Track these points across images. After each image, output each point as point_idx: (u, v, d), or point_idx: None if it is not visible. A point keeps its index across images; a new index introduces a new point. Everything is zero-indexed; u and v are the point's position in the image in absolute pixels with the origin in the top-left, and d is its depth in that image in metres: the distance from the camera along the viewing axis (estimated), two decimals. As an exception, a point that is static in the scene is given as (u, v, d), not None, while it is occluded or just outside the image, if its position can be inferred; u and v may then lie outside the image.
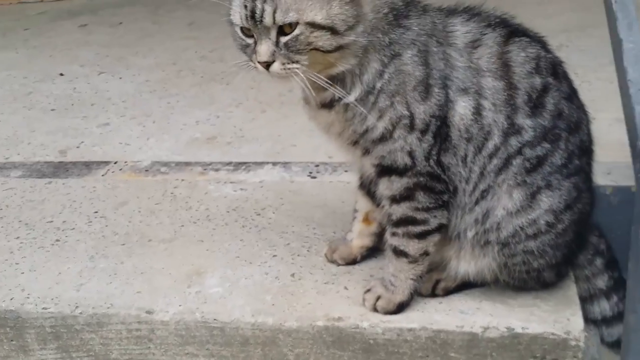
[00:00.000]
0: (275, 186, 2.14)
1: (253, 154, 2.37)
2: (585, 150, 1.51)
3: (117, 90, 2.96)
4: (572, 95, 1.50)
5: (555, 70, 1.48)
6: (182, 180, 2.20)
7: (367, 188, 1.61)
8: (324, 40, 1.31)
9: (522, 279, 1.52)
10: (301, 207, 2.02)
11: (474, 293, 1.59)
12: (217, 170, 2.25)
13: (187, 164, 2.31)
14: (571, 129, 1.46)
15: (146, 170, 2.28)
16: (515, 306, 1.54)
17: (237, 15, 1.35)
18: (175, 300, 1.67)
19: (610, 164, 2.06)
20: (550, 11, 3.35)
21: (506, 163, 1.43)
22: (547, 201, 1.44)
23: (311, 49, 1.32)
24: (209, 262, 1.80)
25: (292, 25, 1.30)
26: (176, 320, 1.62)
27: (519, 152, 1.42)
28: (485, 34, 1.45)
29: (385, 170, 1.46)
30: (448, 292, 1.58)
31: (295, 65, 1.32)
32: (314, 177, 2.17)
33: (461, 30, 1.45)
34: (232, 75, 2.99)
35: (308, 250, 1.82)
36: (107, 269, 1.80)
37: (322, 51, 1.32)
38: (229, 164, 2.28)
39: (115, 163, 2.34)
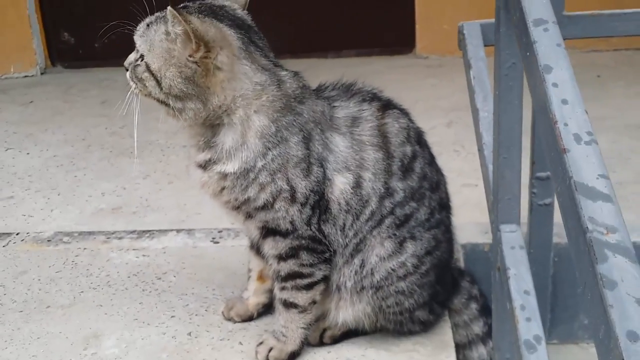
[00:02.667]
0: (178, 252, 2.19)
1: (158, 222, 2.43)
2: (444, 206, 1.69)
3: (23, 165, 2.97)
4: (432, 161, 1.69)
5: (420, 138, 1.66)
6: (85, 249, 2.23)
7: (257, 248, 1.70)
8: (151, 85, 1.48)
9: (397, 321, 1.63)
10: (202, 271, 2.08)
11: (360, 342, 1.68)
12: (120, 238, 2.29)
13: (91, 233, 2.33)
14: (433, 189, 1.64)
15: (48, 241, 2.29)
16: (397, 352, 1.65)
17: None
18: (71, 363, 1.68)
19: (487, 224, 2.24)
20: (442, 93, 3.64)
21: (379, 222, 1.58)
22: (411, 247, 1.59)
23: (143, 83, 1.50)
24: (106, 325, 1.83)
25: (138, 55, 1.50)
26: (70, 382, 1.62)
27: (391, 212, 1.58)
28: (363, 110, 1.61)
29: (270, 231, 1.57)
30: (335, 340, 1.67)
31: (132, 84, 1.52)
32: (217, 242, 2.25)
33: (342, 115, 1.60)
34: (141, 149, 3.06)
35: (206, 310, 1.87)
36: (2, 335, 1.79)
37: (152, 97, 1.50)
38: (132, 232, 2.32)
39: (17, 234, 2.34)
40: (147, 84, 1.48)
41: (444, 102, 3.49)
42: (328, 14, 4.29)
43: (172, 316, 1.85)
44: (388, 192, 1.57)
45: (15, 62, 4.39)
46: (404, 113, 1.68)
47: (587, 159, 0.89)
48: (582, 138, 0.92)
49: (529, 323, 1.30)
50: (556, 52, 1.04)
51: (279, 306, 1.63)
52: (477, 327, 1.81)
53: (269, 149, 1.50)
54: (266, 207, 1.53)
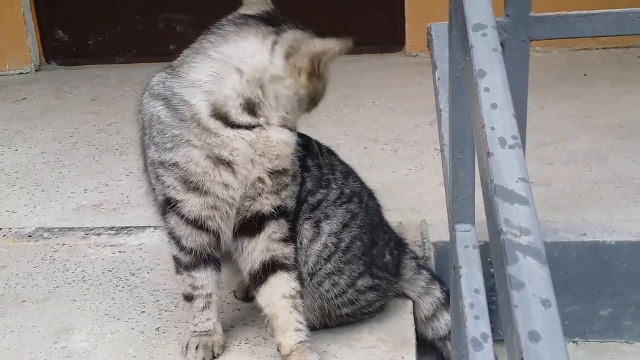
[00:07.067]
0: (154, 248, 2.22)
1: (137, 219, 2.46)
2: (356, 178, 1.79)
3: (10, 161, 3.02)
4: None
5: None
6: (63, 244, 2.26)
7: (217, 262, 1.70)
8: None
9: (343, 303, 1.67)
10: (177, 267, 2.11)
11: (323, 337, 1.71)
12: (98, 234, 2.32)
13: (70, 229, 2.37)
14: (333, 170, 1.74)
15: (29, 236, 2.33)
16: (358, 348, 1.68)
17: None
18: (41, 356, 1.72)
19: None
20: (428, 91, 3.62)
21: (299, 207, 1.66)
22: (327, 227, 1.66)
23: None
24: (78, 320, 1.86)
25: None
26: (37, 375, 1.66)
27: (305, 199, 1.66)
28: None
29: (276, 215, 1.61)
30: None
31: None
32: (194, 240, 2.27)
33: None
34: (126, 146, 3.10)
35: (176, 306, 1.91)
36: (-25, 330, 1.83)
37: None
38: (111, 228, 2.36)
39: (0, 230, 2.39)
40: None
41: (429, 101, 3.47)
42: (318, 11, 4.31)
43: (143, 311, 1.89)
44: (302, 181, 1.67)
45: (10, 59, 4.43)
46: None
47: (509, 162, 0.91)
48: (507, 142, 0.94)
49: (477, 321, 1.32)
50: (491, 57, 1.06)
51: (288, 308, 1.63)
52: (437, 291, 1.85)
53: None
54: (295, 176, 1.63)
